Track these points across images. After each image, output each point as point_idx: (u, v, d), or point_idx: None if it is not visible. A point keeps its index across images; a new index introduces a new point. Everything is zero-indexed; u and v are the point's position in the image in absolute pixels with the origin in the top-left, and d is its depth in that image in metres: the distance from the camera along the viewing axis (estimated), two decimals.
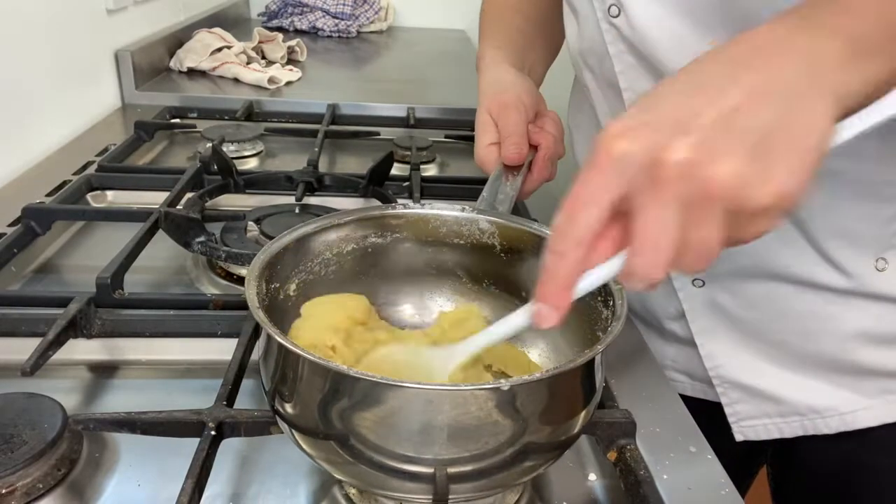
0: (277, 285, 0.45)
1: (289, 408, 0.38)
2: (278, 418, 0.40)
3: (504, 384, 0.35)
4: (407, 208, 0.52)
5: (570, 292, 0.36)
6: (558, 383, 0.37)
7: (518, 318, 0.39)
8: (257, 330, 0.54)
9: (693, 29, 0.53)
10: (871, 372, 0.61)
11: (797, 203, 0.32)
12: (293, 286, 0.47)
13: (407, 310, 0.54)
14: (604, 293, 0.44)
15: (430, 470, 0.36)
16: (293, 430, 0.39)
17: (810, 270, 0.58)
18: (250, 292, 0.40)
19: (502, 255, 0.51)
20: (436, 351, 0.45)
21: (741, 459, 0.73)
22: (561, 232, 0.34)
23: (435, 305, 0.53)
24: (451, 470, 0.36)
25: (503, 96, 0.64)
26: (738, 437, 0.66)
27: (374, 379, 0.34)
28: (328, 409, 0.36)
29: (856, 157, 0.54)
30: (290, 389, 0.38)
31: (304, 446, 0.39)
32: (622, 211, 0.34)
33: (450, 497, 0.36)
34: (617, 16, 0.57)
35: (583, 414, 0.40)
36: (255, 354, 0.53)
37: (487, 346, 0.42)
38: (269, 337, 0.39)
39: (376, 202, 0.80)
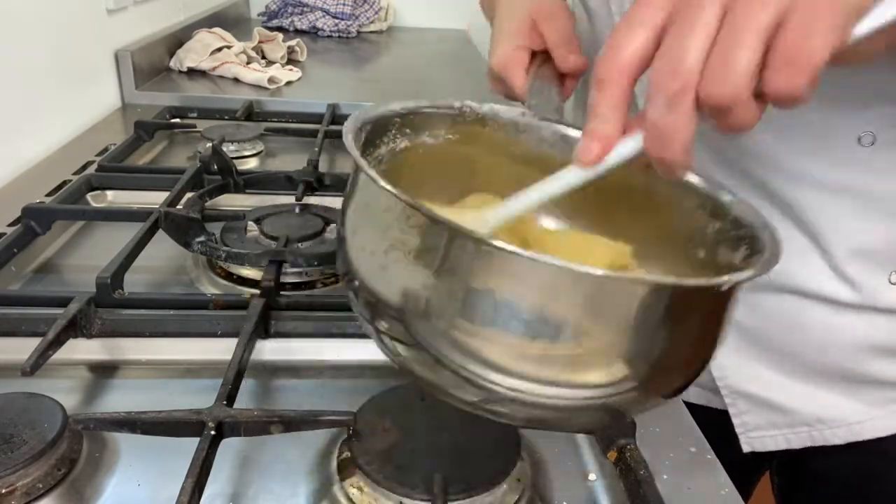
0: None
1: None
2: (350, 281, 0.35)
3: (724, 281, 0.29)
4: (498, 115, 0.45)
5: (616, 125, 0.34)
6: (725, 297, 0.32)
7: (566, 174, 0.36)
8: (257, 329, 0.54)
9: None
10: (881, 383, 0.61)
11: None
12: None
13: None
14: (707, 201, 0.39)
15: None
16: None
17: (822, 284, 0.58)
18: (348, 139, 0.35)
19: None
20: (472, 213, 0.39)
21: (743, 468, 0.72)
22: (606, 60, 0.33)
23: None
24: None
25: (546, 4, 0.58)
26: (746, 448, 0.66)
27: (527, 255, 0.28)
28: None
29: (869, 171, 0.53)
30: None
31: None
32: None
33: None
34: None
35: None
36: (255, 354, 0.54)
37: (536, 205, 0.37)
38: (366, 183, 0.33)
39: None
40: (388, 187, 0.31)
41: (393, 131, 0.42)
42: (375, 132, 0.41)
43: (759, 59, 0.30)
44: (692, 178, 0.40)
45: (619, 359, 0.31)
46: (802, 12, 0.30)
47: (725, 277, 0.30)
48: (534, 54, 0.59)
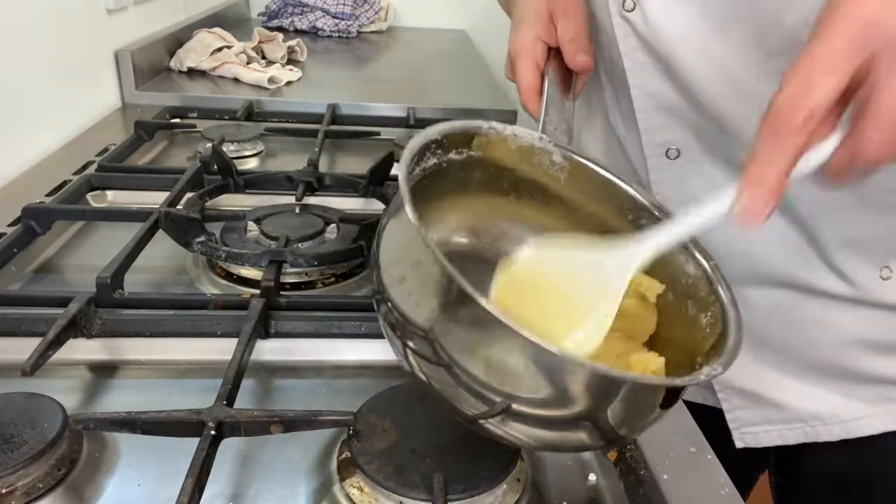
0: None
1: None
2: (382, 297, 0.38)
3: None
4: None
5: (784, 182, 0.31)
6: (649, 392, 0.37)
7: (713, 209, 0.34)
8: (257, 329, 0.54)
9: (709, 26, 0.53)
10: (874, 380, 0.61)
11: None
12: None
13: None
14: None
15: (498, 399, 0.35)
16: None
17: (814, 278, 0.58)
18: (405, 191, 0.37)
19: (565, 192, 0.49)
20: (604, 252, 0.39)
21: (740, 467, 0.72)
22: (787, 107, 0.30)
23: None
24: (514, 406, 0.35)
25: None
26: (739, 444, 0.66)
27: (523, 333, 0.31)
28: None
29: None
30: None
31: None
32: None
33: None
34: (632, 9, 0.56)
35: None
36: (255, 354, 0.54)
37: (674, 243, 0.38)
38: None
39: (377, 202, 0.80)
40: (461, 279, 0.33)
41: (428, 154, 0.45)
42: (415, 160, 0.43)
43: None
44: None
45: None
46: None
47: (687, 378, 0.37)
48: (549, 50, 0.59)
